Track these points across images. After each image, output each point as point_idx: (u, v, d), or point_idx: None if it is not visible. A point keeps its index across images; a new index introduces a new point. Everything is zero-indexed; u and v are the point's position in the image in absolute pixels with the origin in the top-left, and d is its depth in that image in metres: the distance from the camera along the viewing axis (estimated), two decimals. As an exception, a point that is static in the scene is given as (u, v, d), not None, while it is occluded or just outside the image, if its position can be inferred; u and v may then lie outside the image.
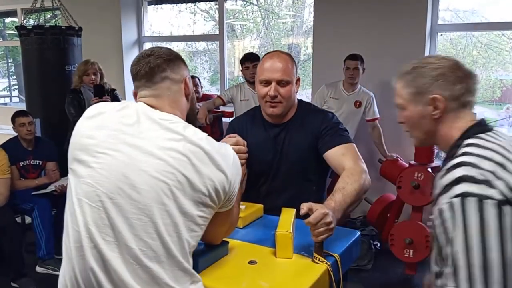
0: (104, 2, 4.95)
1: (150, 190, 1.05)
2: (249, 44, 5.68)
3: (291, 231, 1.41)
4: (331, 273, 1.37)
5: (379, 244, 3.51)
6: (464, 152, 1.05)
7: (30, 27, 3.94)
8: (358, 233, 1.66)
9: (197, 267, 1.29)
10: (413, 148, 3.39)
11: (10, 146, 3.33)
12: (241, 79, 4.47)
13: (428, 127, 1.16)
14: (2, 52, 7.11)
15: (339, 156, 1.69)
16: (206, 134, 1.16)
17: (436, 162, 3.38)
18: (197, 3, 5.39)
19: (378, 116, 3.66)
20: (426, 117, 1.15)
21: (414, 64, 1.17)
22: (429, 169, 3.13)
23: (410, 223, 3.15)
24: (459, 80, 1.11)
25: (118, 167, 1.08)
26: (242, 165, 1.54)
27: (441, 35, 3.98)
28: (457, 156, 1.05)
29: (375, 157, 3.82)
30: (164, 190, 1.06)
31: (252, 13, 5.79)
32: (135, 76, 1.23)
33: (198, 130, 1.15)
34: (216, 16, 4.98)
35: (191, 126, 1.16)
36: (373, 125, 3.68)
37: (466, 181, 0.98)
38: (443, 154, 1.24)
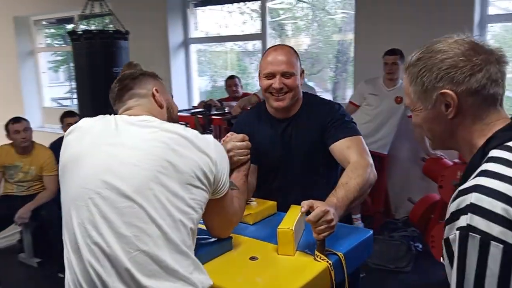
0: (150, 5, 5.13)
1: (134, 178, 1.10)
2: (301, 42, 5.64)
3: (293, 228, 1.40)
4: (332, 272, 1.34)
5: (420, 246, 3.38)
6: (484, 171, 0.82)
7: (80, 32, 4.16)
8: (370, 232, 1.61)
9: (197, 261, 1.32)
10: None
11: (57, 145, 3.53)
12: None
13: (443, 129, 0.95)
14: (65, 57, 7.56)
15: (344, 149, 1.65)
16: (183, 126, 1.21)
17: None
18: (246, 3, 5.43)
19: (420, 112, 3.51)
20: (440, 118, 0.93)
21: (419, 53, 0.95)
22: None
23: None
24: (478, 68, 0.87)
25: (102, 163, 1.13)
26: (246, 160, 1.55)
27: (492, 26, 3.75)
28: (475, 176, 0.83)
29: (419, 155, 3.68)
30: (148, 176, 1.10)
31: (303, 10, 5.75)
32: (112, 102, 1.35)
33: (176, 124, 1.22)
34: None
35: (168, 122, 1.23)
36: (415, 122, 3.54)
37: (474, 213, 0.78)
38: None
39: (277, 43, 5.37)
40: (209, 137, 1.24)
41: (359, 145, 1.66)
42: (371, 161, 1.62)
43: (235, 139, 1.55)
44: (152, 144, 1.14)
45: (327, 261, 1.35)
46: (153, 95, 1.32)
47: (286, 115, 1.78)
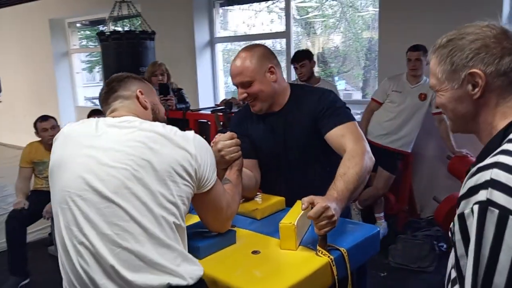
0: (177, 5, 5.22)
1: (112, 179, 1.14)
2: (330, 40, 5.59)
3: (296, 223, 1.41)
4: (333, 267, 1.34)
5: (444, 246, 3.30)
6: (504, 150, 0.85)
7: (108, 33, 4.29)
8: (377, 229, 1.60)
9: (198, 254, 1.35)
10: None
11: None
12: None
13: (466, 109, 0.96)
14: (99, 58, 7.79)
15: (338, 137, 1.64)
16: (162, 124, 1.25)
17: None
18: (274, 1, 5.43)
19: (445, 109, 3.43)
20: (464, 99, 0.95)
21: (450, 35, 0.97)
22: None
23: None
24: (508, 51, 0.91)
25: (82, 167, 1.18)
26: (238, 157, 1.58)
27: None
28: (495, 154, 0.85)
29: (444, 153, 3.59)
30: (126, 176, 1.14)
31: (331, 8, 5.70)
32: (101, 106, 1.40)
33: (156, 123, 1.26)
34: (294, 14, 4.99)
35: (149, 122, 1.26)
36: (439, 119, 3.46)
37: (494, 188, 0.80)
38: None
39: (305, 41, 5.38)
40: (190, 133, 1.27)
41: (354, 131, 1.64)
42: (367, 147, 1.60)
43: (223, 139, 1.56)
44: (129, 144, 1.18)
45: (329, 256, 1.35)
46: (137, 97, 1.37)
47: (272, 110, 1.77)
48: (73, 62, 7.21)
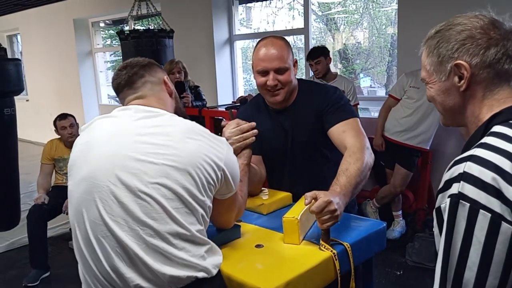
0: (196, 3, 5.26)
1: (140, 173, 1.12)
2: (352, 37, 5.53)
3: (299, 217, 1.41)
4: (336, 262, 1.34)
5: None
6: (481, 143, 0.83)
7: (127, 32, 4.35)
8: (383, 224, 1.58)
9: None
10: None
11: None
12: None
13: (454, 102, 0.94)
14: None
15: (340, 134, 1.64)
16: (193, 123, 1.23)
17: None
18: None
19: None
20: (452, 91, 0.93)
21: (439, 26, 0.96)
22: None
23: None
24: (494, 42, 0.88)
25: (111, 159, 1.15)
26: (245, 146, 1.57)
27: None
28: (474, 147, 0.84)
29: (464, 151, 3.51)
30: (156, 170, 1.12)
31: (354, 4, 5.64)
32: (117, 89, 1.32)
33: (187, 121, 1.24)
34: (316, 10, 4.96)
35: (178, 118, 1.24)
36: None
37: (466, 181, 0.78)
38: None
39: (326, 38, 5.33)
40: (223, 140, 1.26)
41: (355, 128, 1.65)
42: (367, 143, 1.61)
43: (229, 127, 1.56)
44: (159, 138, 1.16)
45: (331, 251, 1.35)
46: (165, 83, 1.34)
47: (284, 105, 1.77)
48: (96, 61, 7.35)
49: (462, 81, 0.91)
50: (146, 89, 1.30)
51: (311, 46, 4.74)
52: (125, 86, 1.30)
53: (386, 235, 3.63)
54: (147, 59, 1.37)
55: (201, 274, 1.15)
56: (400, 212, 3.66)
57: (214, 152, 1.19)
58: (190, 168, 1.13)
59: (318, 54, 3.67)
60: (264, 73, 1.68)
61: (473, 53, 0.88)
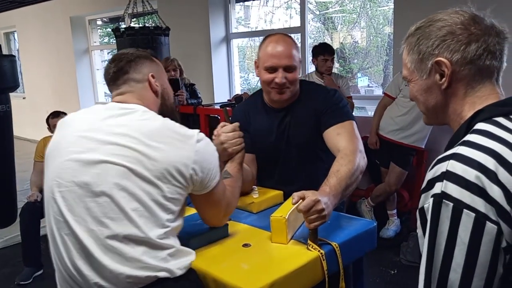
0: (193, 2, 5.24)
1: (102, 173, 1.13)
2: (349, 36, 5.51)
3: (287, 216, 1.39)
4: (323, 262, 1.33)
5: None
6: (465, 141, 0.81)
7: (123, 29, 4.34)
8: (374, 223, 1.57)
9: (188, 246, 1.35)
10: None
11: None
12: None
13: (436, 100, 0.92)
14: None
15: (334, 136, 1.64)
16: (164, 119, 1.22)
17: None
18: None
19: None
20: (433, 89, 0.91)
21: (419, 23, 0.93)
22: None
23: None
24: (475, 38, 0.86)
25: (74, 157, 1.18)
26: (240, 149, 1.54)
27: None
28: (457, 145, 0.81)
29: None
30: (117, 171, 1.13)
31: (351, 3, 5.63)
32: (107, 82, 1.34)
33: (159, 117, 1.23)
34: (314, 9, 4.94)
35: (152, 113, 1.23)
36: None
37: (449, 180, 0.76)
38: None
39: (324, 37, 5.31)
40: (193, 133, 1.22)
41: (349, 131, 1.64)
42: (360, 146, 1.60)
43: (226, 130, 1.52)
44: (123, 139, 1.16)
45: (319, 251, 1.34)
46: (149, 81, 1.31)
47: (284, 104, 1.76)
48: (93, 58, 7.33)
49: (444, 79, 0.89)
50: (127, 86, 1.30)
51: (307, 45, 4.73)
52: (110, 82, 1.33)
53: (381, 234, 3.64)
54: (138, 52, 1.34)
55: (162, 274, 1.14)
56: (395, 211, 3.65)
57: (182, 153, 1.17)
58: (154, 178, 1.13)
59: (334, 51, 3.66)
60: (273, 70, 1.66)
61: (453, 49, 0.87)
